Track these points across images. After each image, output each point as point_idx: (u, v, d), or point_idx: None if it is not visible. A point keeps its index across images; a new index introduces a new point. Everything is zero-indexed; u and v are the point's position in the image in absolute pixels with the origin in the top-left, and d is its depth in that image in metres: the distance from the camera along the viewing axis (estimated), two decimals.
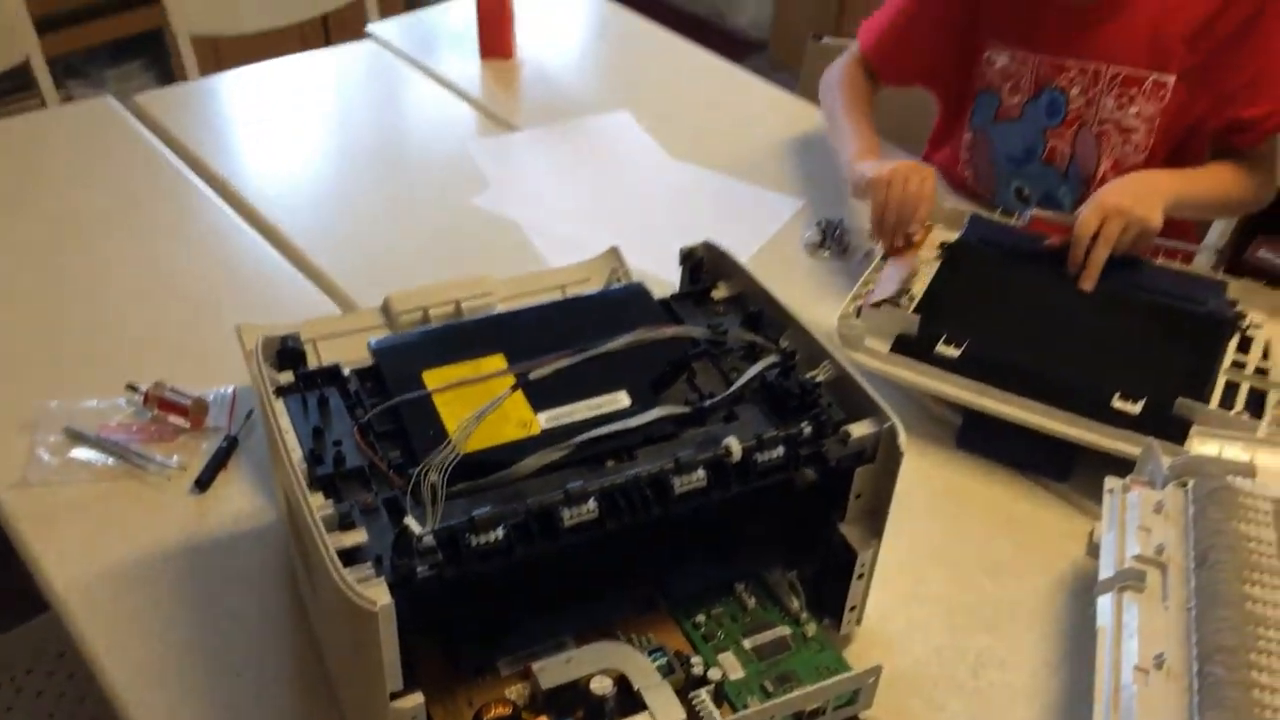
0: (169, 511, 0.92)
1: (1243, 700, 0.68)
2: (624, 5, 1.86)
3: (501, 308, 1.00)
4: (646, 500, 0.71)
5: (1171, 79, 1.21)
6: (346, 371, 0.82)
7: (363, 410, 0.78)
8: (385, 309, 0.99)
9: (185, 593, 0.86)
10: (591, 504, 0.70)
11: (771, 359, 0.82)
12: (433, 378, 0.80)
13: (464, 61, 1.63)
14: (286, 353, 0.83)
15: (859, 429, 0.76)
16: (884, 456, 0.77)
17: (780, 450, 0.74)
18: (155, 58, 2.54)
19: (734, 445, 0.73)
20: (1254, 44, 1.19)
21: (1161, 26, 1.20)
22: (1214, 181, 1.24)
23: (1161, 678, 0.72)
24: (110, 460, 0.95)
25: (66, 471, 0.94)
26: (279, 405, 0.77)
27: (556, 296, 1.04)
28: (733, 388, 0.80)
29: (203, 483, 0.94)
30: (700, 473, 0.72)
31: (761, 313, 0.87)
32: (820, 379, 0.79)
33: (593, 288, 1.07)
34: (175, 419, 0.98)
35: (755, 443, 0.73)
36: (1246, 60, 1.19)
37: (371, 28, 1.72)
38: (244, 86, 1.58)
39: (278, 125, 1.49)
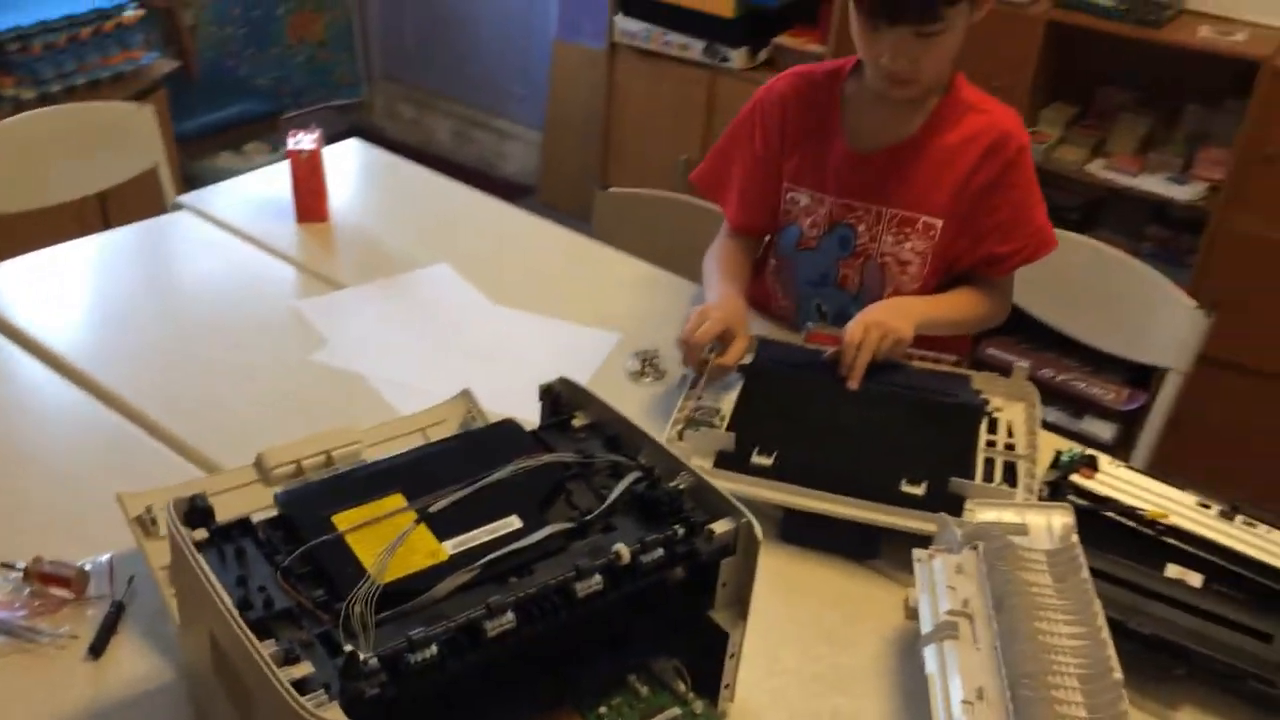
0: (67, 680, 0.93)
1: (1048, 713, 0.85)
2: (406, 158, 2.00)
3: (369, 455, 1.09)
4: (555, 606, 0.82)
5: (940, 222, 1.45)
6: (257, 521, 0.88)
7: (281, 556, 0.85)
8: (258, 465, 1.06)
9: None
10: (509, 615, 0.80)
11: (636, 474, 0.95)
12: (341, 520, 0.88)
13: (280, 226, 1.71)
14: (195, 511, 0.89)
15: (720, 526, 0.89)
16: (743, 548, 0.91)
17: (661, 551, 0.86)
18: None
19: (623, 550, 0.85)
20: (1003, 194, 1.44)
21: (933, 179, 1.44)
22: (960, 304, 1.48)
23: (984, 706, 0.88)
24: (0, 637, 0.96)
25: None
26: (202, 559, 0.83)
27: (419, 440, 1.14)
28: (607, 502, 0.92)
29: (97, 649, 0.96)
30: (597, 577, 0.84)
31: (619, 435, 1.00)
32: (682, 487, 0.93)
33: (450, 429, 1.17)
34: (58, 591, 1.00)
35: (640, 546, 0.86)
36: (998, 206, 1.44)
37: (182, 199, 1.77)
38: (64, 263, 1.59)
39: (108, 299, 1.53)
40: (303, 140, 1.67)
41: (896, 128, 1.46)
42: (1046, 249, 1.48)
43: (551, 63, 3.60)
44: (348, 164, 1.95)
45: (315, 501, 0.90)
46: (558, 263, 1.73)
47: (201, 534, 0.87)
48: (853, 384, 1.32)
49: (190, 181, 2.08)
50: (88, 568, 1.03)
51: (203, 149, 3.22)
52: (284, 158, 1.70)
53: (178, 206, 1.76)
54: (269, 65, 3.66)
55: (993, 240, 1.46)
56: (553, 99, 3.63)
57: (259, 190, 1.82)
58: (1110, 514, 1.14)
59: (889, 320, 1.35)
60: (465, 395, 1.22)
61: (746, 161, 1.55)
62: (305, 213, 1.71)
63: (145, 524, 1.03)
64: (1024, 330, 2.52)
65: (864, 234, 1.49)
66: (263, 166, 1.90)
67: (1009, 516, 1.06)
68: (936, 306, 1.45)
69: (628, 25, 2.99)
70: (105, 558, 1.06)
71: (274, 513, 0.90)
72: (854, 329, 1.34)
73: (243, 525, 0.88)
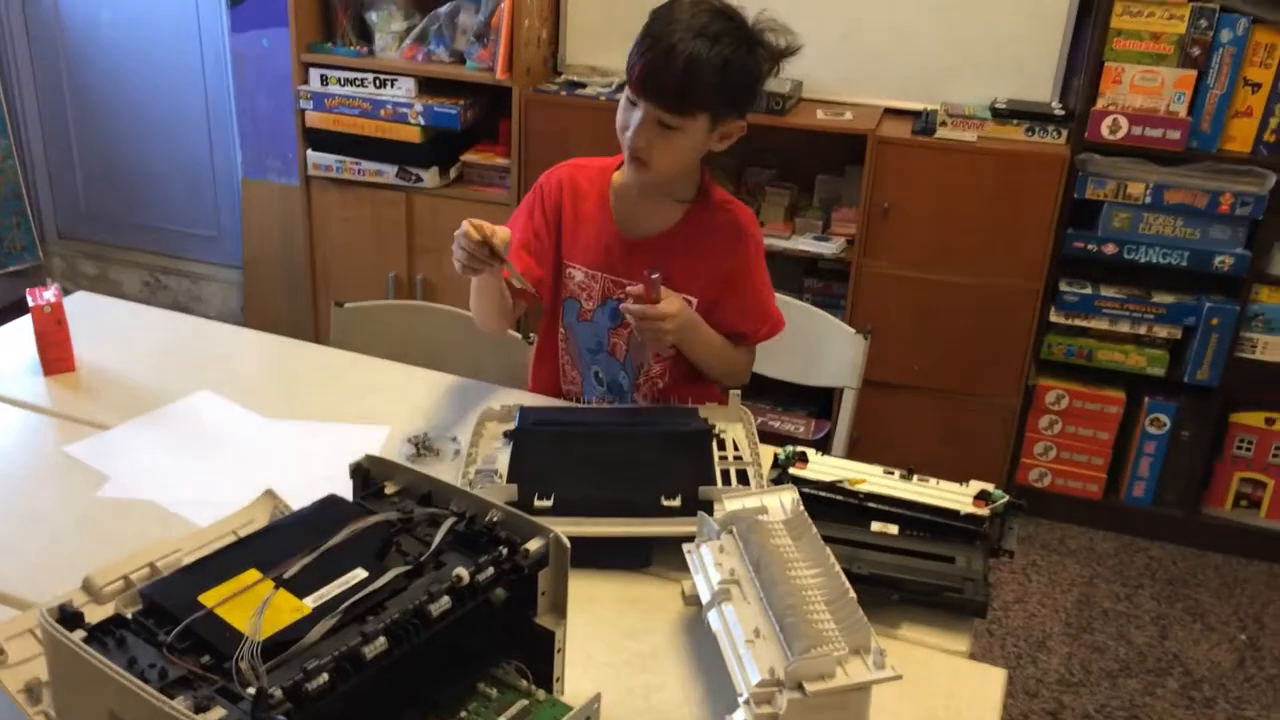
0: None
1: (809, 630, 1.09)
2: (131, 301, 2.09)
3: (189, 559, 1.20)
4: (416, 627, 0.98)
5: (695, 300, 1.73)
6: (129, 615, 0.98)
7: (163, 636, 0.96)
8: (87, 586, 1.14)
9: None
10: (382, 639, 0.95)
11: (452, 519, 1.12)
12: (208, 598, 1.00)
13: (27, 381, 1.74)
14: (67, 617, 0.97)
15: (533, 544, 1.09)
16: (556, 559, 1.10)
17: (491, 570, 1.05)
18: None
19: (463, 573, 1.02)
20: (744, 282, 1.75)
21: (689, 265, 1.71)
22: (719, 346, 1.76)
23: (762, 641, 1.12)
24: None
25: None
26: (93, 651, 0.92)
27: (232, 539, 1.26)
28: (435, 543, 1.09)
29: None
30: (445, 599, 1.00)
31: (431, 492, 1.18)
32: (495, 520, 1.11)
33: (261, 525, 1.29)
34: None
35: (475, 568, 1.03)
36: (740, 292, 1.75)
37: None
38: None
39: None
40: (44, 295, 1.72)
41: (659, 220, 1.74)
42: (778, 329, 1.81)
43: (242, 202, 3.68)
44: (80, 316, 1.98)
45: (179, 588, 1.02)
46: (311, 375, 1.87)
47: (80, 634, 0.96)
48: (628, 305, 1.61)
49: None
50: None
51: None
52: None
53: None
54: None
55: (741, 321, 1.77)
56: (247, 236, 3.70)
57: None
58: (823, 492, 1.43)
59: (678, 327, 1.63)
60: (269, 494, 1.34)
61: (525, 229, 1.77)
62: (52, 365, 1.75)
63: None
64: None
65: None
66: None
67: (751, 503, 1.31)
68: (706, 335, 1.73)
69: (319, 158, 3.15)
70: None
71: (140, 606, 1.01)
72: (666, 303, 1.61)
73: (116, 620, 0.98)
